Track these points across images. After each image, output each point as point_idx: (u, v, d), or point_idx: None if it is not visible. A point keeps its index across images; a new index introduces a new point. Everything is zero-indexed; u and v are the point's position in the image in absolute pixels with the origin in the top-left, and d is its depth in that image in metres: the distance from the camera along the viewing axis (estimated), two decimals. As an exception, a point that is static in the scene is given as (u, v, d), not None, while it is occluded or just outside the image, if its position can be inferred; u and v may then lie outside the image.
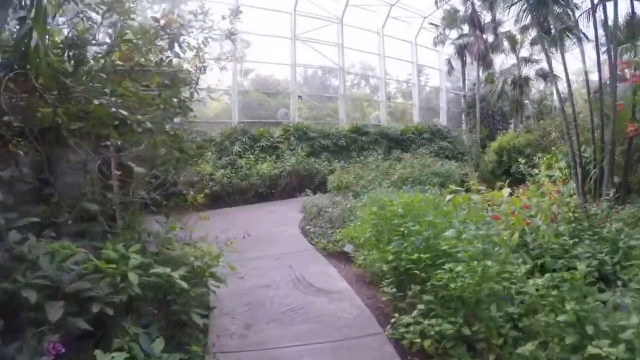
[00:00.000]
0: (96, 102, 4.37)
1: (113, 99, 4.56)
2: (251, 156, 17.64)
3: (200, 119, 21.37)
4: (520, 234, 5.56)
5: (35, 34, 4.03)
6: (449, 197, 7.15)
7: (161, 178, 6.06)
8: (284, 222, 11.96)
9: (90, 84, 4.74)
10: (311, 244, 9.46)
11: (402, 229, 5.88)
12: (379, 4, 24.49)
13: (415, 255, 5.20)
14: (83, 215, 4.90)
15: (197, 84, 6.38)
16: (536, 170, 14.84)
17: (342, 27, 23.71)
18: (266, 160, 17.74)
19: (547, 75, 24.97)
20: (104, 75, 4.82)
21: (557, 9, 12.69)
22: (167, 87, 5.63)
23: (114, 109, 4.43)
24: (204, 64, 6.37)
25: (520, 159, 16.30)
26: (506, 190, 7.02)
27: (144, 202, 5.85)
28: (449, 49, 26.93)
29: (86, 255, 3.86)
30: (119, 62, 5.20)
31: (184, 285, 3.88)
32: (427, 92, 30.03)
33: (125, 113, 4.44)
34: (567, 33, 15.45)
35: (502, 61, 27.86)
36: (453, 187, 7.97)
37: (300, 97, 23.00)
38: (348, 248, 8.07)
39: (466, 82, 27.71)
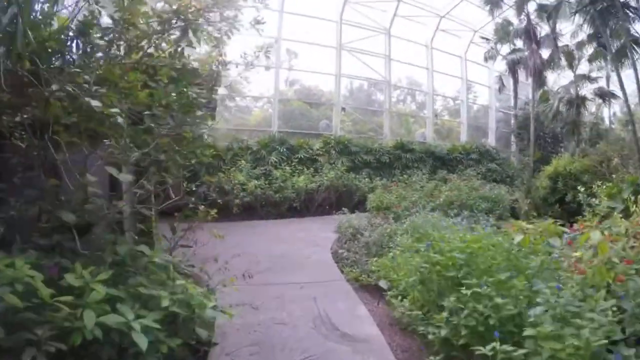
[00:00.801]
0: (54, 87, 3.50)
1: (95, 88, 3.68)
2: (287, 168, 16.68)
3: (242, 126, 21.00)
4: (605, 295, 4.18)
5: (12, 10, 3.29)
6: (517, 237, 5.60)
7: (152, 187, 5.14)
8: (315, 243, 10.88)
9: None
10: (342, 272, 8.29)
11: (463, 291, 4.41)
12: (428, 15, 23.58)
13: (491, 348, 3.61)
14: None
15: (216, 80, 5.44)
16: (595, 201, 13.39)
17: (390, 38, 22.84)
18: (303, 172, 16.76)
19: (605, 95, 23.36)
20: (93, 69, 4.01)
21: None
22: (174, 82, 4.73)
23: (88, 99, 3.52)
24: (225, 59, 5.44)
25: (578, 187, 14.83)
26: (596, 235, 5.55)
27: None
28: (500, 66, 25.78)
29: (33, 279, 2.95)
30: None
31: (142, 342, 2.89)
32: (475, 110, 28.77)
33: (97, 103, 3.53)
34: (635, 46, 14.18)
35: (554, 80, 26.30)
36: (524, 224, 6.51)
37: (343, 109, 22.12)
38: (383, 283, 6.90)
39: (517, 100, 26.09)
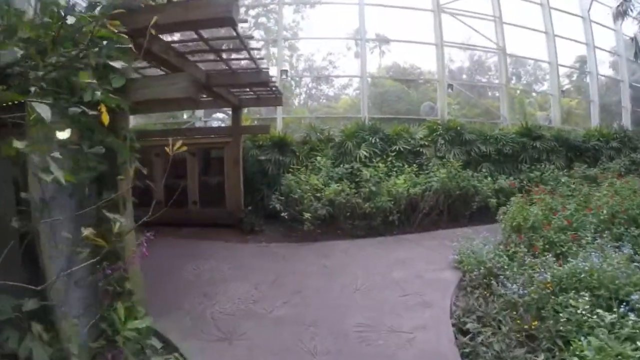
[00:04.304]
0: None
1: None
2: (381, 165, 12.42)
3: (328, 114, 17.63)
4: None
5: None
6: None
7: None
8: (420, 295, 6.65)
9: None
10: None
11: None
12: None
13: None
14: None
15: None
16: None
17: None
18: (403, 171, 12.48)
19: None
20: None
21: None
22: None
23: None
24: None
25: None
26: None
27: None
28: (628, 28, 20.22)
29: None
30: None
31: None
32: (599, 85, 23.13)
33: None
34: None
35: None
36: None
37: (451, 86, 17.69)
38: None
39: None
